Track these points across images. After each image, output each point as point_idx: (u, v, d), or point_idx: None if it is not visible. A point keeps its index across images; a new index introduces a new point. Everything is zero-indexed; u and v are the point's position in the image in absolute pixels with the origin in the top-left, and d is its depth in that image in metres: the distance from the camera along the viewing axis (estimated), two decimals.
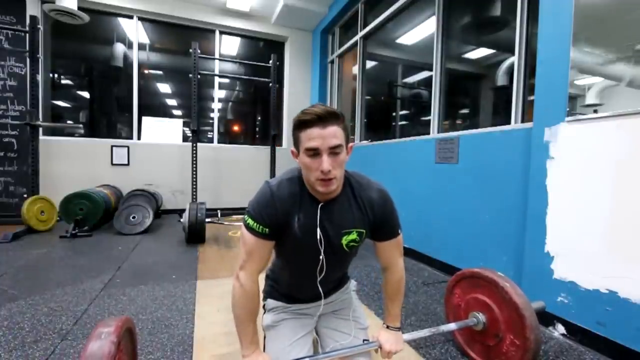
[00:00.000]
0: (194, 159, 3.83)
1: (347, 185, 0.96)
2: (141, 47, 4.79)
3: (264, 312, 1.14)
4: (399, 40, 3.89)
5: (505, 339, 1.23)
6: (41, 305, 1.80)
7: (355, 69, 4.49)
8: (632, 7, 1.44)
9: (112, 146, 4.50)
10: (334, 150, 0.82)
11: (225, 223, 4.40)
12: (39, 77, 3.89)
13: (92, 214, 3.54)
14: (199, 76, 3.82)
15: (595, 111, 1.55)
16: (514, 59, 2.20)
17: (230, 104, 5.77)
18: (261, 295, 1.02)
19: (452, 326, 1.30)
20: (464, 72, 3.22)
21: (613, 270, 1.42)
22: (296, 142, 0.87)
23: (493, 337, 1.26)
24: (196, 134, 3.81)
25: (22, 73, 4.05)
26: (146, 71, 4.92)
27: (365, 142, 4.06)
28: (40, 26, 3.90)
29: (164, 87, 5.17)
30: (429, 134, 2.94)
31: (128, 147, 4.57)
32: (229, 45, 5.36)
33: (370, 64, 4.36)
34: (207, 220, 3.45)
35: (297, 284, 1.08)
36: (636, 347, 1.35)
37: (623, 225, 1.39)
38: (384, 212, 0.97)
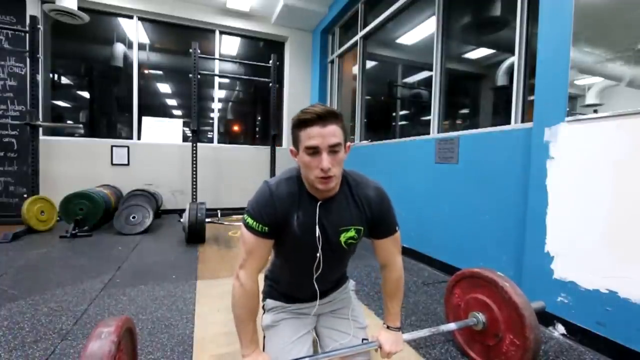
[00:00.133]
0: (194, 159, 3.83)
1: (345, 183, 0.97)
2: (141, 47, 4.79)
3: (263, 313, 1.14)
4: (399, 40, 3.89)
5: (505, 339, 1.23)
6: (41, 305, 1.80)
7: (355, 69, 4.49)
8: (632, 7, 1.44)
9: (112, 146, 4.50)
10: (333, 149, 0.84)
11: (225, 223, 4.40)
12: (39, 77, 3.89)
13: (92, 214, 3.54)
14: (199, 76, 3.82)
15: (595, 111, 1.55)
16: (514, 59, 2.19)
17: (230, 104, 5.77)
18: (260, 296, 1.03)
19: (452, 326, 1.30)
20: (464, 72, 3.22)
21: (613, 270, 1.42)
22: (295, 141, 0.88)
23: (493, 337, 1.26)
24: (196, 134, 3.81)
25: (22, 73, 4.06)
26: (146, 71, 4.92)
27: (365, 142, 4.06)
28: (40, 26, 3.90)
29: (164, 87, 5.17)
30: (429, 134, 2.94)
31: (128, 147, 4.57)
32: (229, 45, 5.36)
33: (370, 64, 4.36)
34: (207, 220, 3.45)
35: (296, 283, 1.08)
36: (636, 347, 1.35)
37: (623, 225, 1.39)
38: (381, 209, 0.98)
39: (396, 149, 3.24)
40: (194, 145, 3.82)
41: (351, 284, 1.25)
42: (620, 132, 1.41)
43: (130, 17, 4.67)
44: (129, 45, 4.71)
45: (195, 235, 3.20)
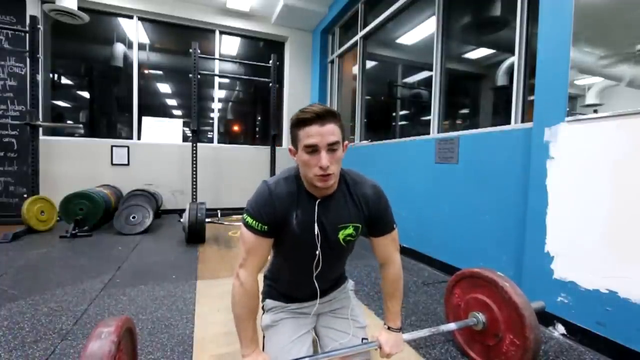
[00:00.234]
0: (194, 159, 3.83)
1: (343, 181, 0.99)
2: (141, 47, 4.79)
3: (263, 313, 1.14)
4: (399, 40, 3.89)
5: (505, 339, 1.23)
6: (41, 305, 1.80)
7: (355, 69, 4.49)
8: (632, 7, 1.44)
9: (112, 146, 4.50)
10: (331, 147, 0.85)
11: (225, 223, 4.40)
12: (39, 77, 3.89)
13: (92, 214, 3.54)
14: (199, 76, 3.82)
15: (595, 111, 1.55)
16: (514, 59, 2.19)
17: (230, 104, 5.77)
18: (260, 297, 1.03)
19: (452, 326, 1.30)
20: (464, 72, 3.22)
21: (613, 270, 1.42)
22: (294, 140, 0.90)
23: (493, 337, 1.26)
24: (196, 134, 3.81)
25: (22, 73, 4.05)
26: (146, 71, 4.92)
27: (365, 142, 4.06)
28: (40, 26, 3.90)
29: (164, 87, 5.17)
30: (429, 134, 2.94)
31: (128, 147, 4.57)
32: (229, 45, 5.36)
33: (370, 64, 4.36)
34: (207, 220, 3.45)
35: (296, 282, 1.09)
36: (636, 347, 1.35)
37: (623, 225, 1.39)
38: (378, 207, 1.00)
39: (396, 149, 3.24)
40: (194, 145, 3.82)
41: (350, 284, 1.26)
42: (620, 132, 1.41)
43: (130, 17, 4.67)
44: (129, 45, 4.71)
45: (195, 235, 3.20)
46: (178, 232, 3.68)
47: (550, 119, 1.68)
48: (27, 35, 3.66)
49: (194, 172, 3.83)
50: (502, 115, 2.62)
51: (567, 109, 1.61)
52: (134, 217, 3.66)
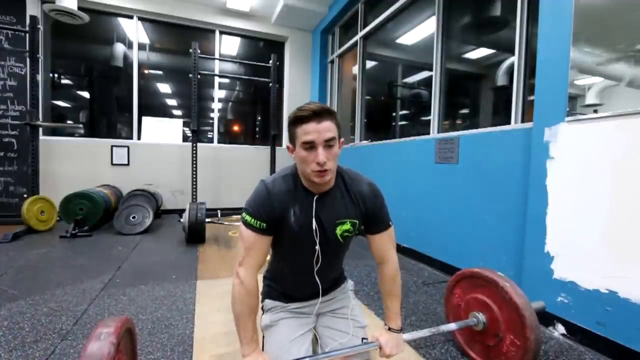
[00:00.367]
0: (194, 159, 3.83)
1: (340, 178, 1.01)
2: (141, 47, 4.78)
3: (262, 313, 1.14)
4: (399, 40, 3.89)
5: (505, 339, 1.23)
6: (41, 305, 1.79)
7: (355, 69, 4.49)
8: (632, 7, 1.44)
9: (112, 146, 4.50)
10: (328, 143, 0.87)
11: (225, 223, 4.40)
12: (39, 77, 3.89)
13: (92, 214, 3.55)
14: (199, 76, 3.82)
15: (595, 111, 1.55)
16: (514, 59, 2.19)
17: (230, 104, 5.77)
18: (259, 297, 1.03)
19: (452, 326, 1.30)
20: (464, 72, 3.22)
21: (613, 270, 1.42)
22: (292, 137, 0.92)
23: (493, 337, 1.26)
24: (196, 134, 3.81)
25: (22, 73, 4.06)
26: (146, 71, 4.92)
27: (365, 142, 4.06)
28: (40, 26, 3.90)
29: (164, 87, 5.17)
30: (429, 134, 2.94)
31: (128, 147, 4.57)
32: (229, 45, 5.36)
33: (370, 64, 4.36)
34: (207, 220, 3.45)
35: (295, 281, 1.09)
36: (636, 347, 1.35)
37: (623, 225, 1.39)
38: (375, 205, 1.02)
39: (396, 149, 3.24)
40: (194, 145, 3.82)
41: (350, 284, 1.26)
42: (620, 132, 1.41)
43: (130, 17, 4.67)
44: (129, 45, 4.71)
45: (195, 235, 3.20)
46: (178, 232, 3.68)
47: (550, 119, 1.68)
48: (27, 35, 3.66)
49: (194, 172, 3.83)
50: (502, 115, 2.62)
51: (567, 109, 1.61)
52: (134, 217, 3.66)
